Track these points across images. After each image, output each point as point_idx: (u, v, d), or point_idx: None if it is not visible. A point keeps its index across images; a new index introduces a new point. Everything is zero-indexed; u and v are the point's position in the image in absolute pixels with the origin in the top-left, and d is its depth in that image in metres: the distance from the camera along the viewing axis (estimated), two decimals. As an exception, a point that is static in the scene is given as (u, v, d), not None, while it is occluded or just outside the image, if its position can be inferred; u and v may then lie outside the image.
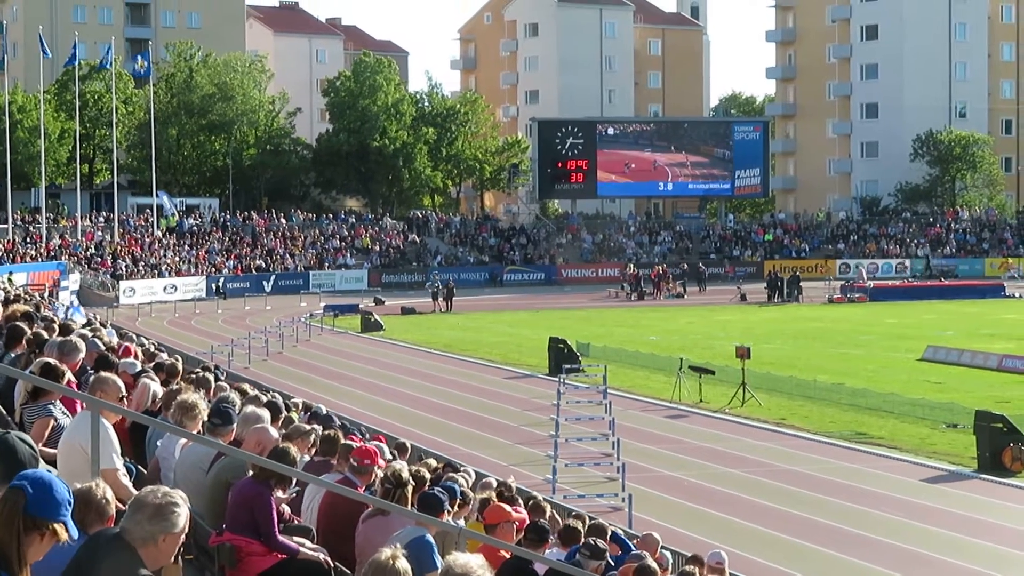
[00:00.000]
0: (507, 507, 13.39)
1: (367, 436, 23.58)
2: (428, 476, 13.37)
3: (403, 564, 7.38)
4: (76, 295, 79.88)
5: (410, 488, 12.25)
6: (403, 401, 45.95)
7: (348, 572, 10.89)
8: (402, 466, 13.06)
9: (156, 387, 15.05)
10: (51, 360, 13.52)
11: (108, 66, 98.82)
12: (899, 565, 25.26)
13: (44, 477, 6.15)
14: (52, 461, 10.46)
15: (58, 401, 12.26)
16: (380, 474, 12.77)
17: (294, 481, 11.86)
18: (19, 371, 12.78)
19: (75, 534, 6.32)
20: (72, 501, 6.30)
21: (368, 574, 7.39)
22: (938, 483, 32.54)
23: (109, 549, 6.68)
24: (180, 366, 18.35)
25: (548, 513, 16.64)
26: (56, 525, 6.18)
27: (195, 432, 12.58)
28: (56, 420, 12.03)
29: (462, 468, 21.69)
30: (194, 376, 17.81)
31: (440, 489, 12.83)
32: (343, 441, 14.97)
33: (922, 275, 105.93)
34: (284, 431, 14.36)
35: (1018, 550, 26.56)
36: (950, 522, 28.61)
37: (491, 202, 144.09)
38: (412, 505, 12.13)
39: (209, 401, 14.10)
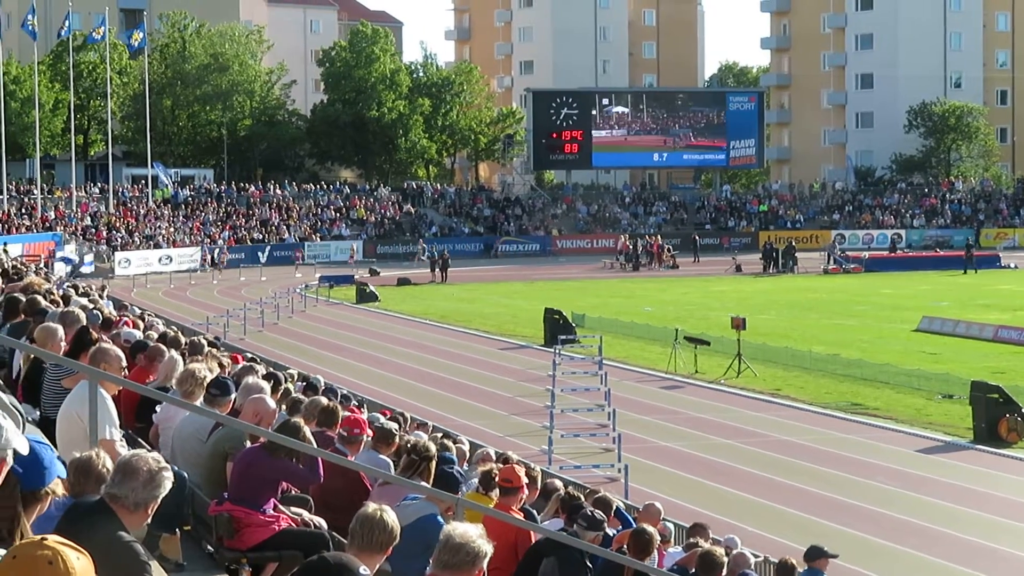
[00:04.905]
0: (520, 471, 13.47)
1: (364, 408, 23.61)
2: (436, 450, 13.42)
3: (390, 516, 7.46)
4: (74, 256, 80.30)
5: (434, 463, 12.35)
6: (398, 372, 45.96)
7: (347, 543, 10.90)
8: (427, 440, 13.19)
9: (182, 365, 15.01)
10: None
11: (103, 39, 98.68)
12: (894, 535, 25.33)
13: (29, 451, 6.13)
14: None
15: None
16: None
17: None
18: (20, 343, 12.78)
19: (63, 474, 6.36)
20: (56, 451, 6.33)
21: (356, 527, 7.47)
22: (934, 454, 32.60)
23: (92, 517, 6.69)
24: (206, 347, 18.38)
25: (540, 483, 16.67)
26: (51, 487, 6.21)
27: (199, 403, 12.62)
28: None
29: (458, 439, 21.73)
30: (213, 352, 17.88)
31: (459, 471, 12.94)
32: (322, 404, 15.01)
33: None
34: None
35: (1013, 520, 26.62)
36: (946, 493, 28.68)
37: (486, 173, 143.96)
38: (432, 480, 12.24)
39: (225, 377, 14.12)
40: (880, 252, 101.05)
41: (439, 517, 10.94)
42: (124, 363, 12.52)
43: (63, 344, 13.53)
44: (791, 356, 46.25)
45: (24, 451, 5.82)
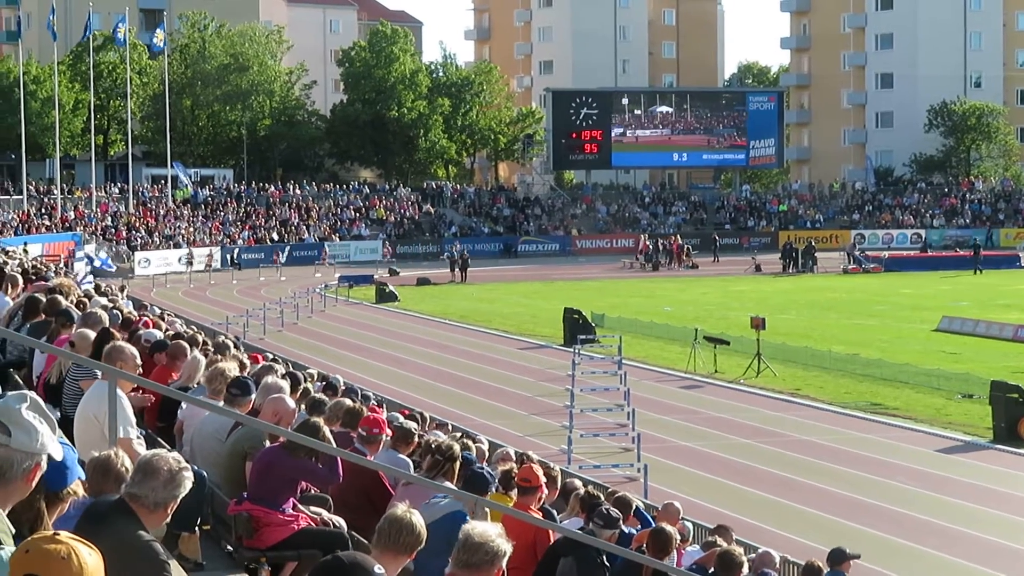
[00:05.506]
0: (539, 470, 13.48)
1: (383, 407, 23.61)
2: (459, 451, 13.43)
3: (418, 519, 7.49)
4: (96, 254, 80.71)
5: (458, 464, 12.37)
6: (418, 372, 45.97)
7: (365, 542, 10.92)
8: (451, 440, 13.22)
9: (203, 364, 15.04)
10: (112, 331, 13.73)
11: (123, 43, 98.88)
12: (914, 535, 25.29)
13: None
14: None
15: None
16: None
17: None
18: (39, 342, 12.82)
19: (82, 475, 6.40)
20: (75, 451, 6.37)
21: (383, 526, 7.49)
22: (953, 453, 32.53)
23: (111, 516, 6.70)
24: (233, 348, 18.50)
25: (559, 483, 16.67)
26: (72, 487, 6.25)
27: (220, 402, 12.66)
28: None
29: (477, 439, 21.73)
30: (233, 352, 17.95)
31: (489, 471, 12.93)
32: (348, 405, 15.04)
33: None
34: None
35: (1033, 520, 26.58)
36: (965, 492, 28.61)
37: (505, 173, 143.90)
38: (456, 480, 12.26)
39: (246, 377, 14.16)
40: (900, 252, 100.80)
41: (467, 515, 10.93)
42: (139, 361, 12.53)
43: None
44: (811, 356, 46.17)
45: (58, 456, 5.85)
